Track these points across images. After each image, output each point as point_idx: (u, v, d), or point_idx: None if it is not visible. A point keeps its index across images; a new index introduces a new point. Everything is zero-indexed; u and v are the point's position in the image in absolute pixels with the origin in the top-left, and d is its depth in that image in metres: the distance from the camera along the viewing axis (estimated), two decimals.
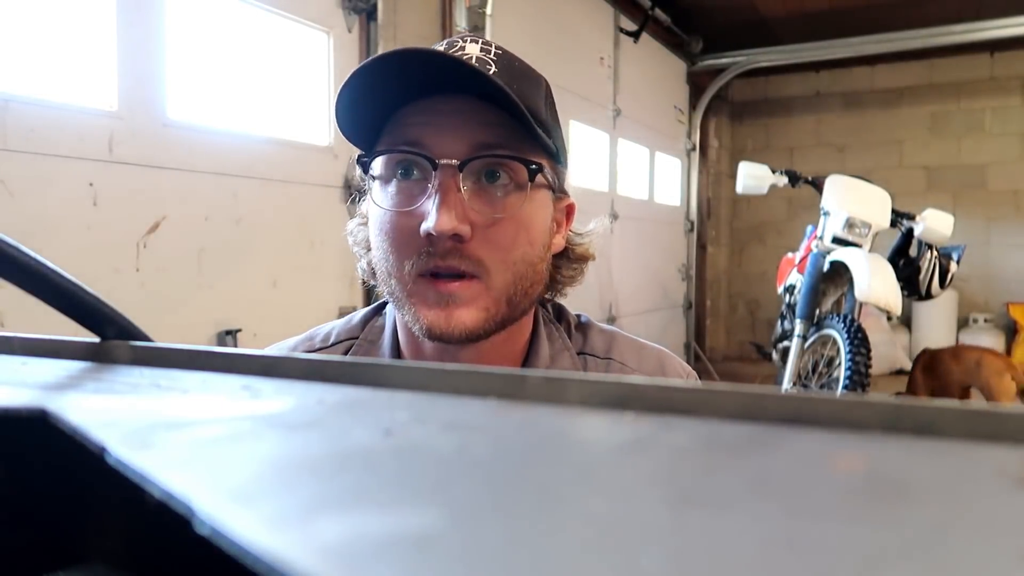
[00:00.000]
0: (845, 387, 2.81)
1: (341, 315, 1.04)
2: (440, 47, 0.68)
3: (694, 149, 5.69)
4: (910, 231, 3.37)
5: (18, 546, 0.31)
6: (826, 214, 3.32)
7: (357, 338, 0.79)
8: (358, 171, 0.73)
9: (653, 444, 0.21)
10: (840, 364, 2.93)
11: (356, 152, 0.71)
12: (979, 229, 5.58)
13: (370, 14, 2.59)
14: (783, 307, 3.75)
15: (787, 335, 3.53)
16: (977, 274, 5.52)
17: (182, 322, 2.00)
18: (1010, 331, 5.44)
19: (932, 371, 3.61)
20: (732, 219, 6.53)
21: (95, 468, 0.22)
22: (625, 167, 4.60)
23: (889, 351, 3.91)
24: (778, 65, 5.61)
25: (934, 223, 3.26)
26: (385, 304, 0.81)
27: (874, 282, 2.91)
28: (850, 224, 3.22)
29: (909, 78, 5.84)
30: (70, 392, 0.31)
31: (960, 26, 4.71)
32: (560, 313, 0.82)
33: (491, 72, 0.65)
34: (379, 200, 0.68)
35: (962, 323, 5.61)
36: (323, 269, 2.40)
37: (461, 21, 2.91)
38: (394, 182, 0.67)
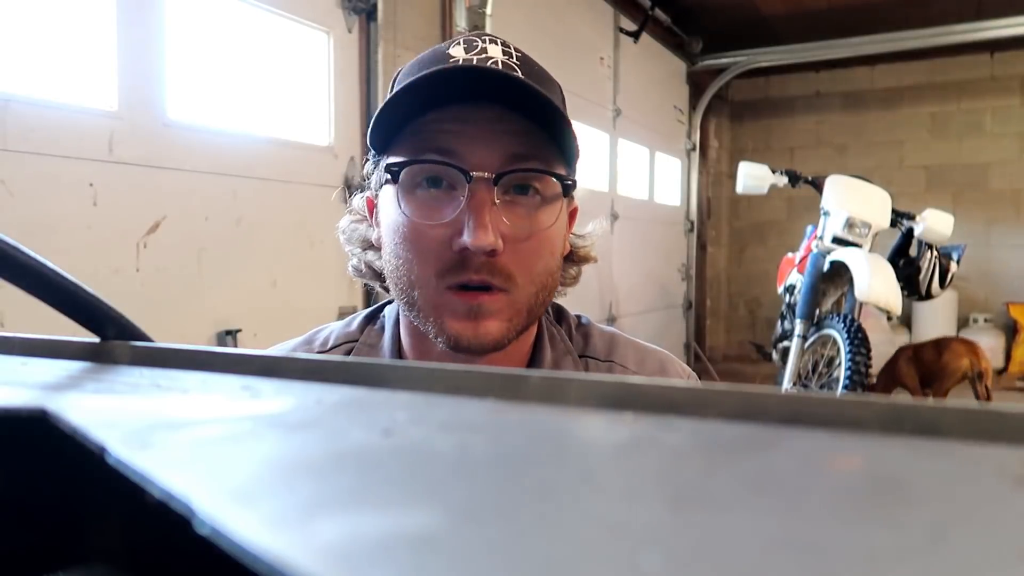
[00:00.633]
0: (845, 387, 2.81)
1: (341, 315, 1.04)
2: (459, 45, 0.67)
3: (694, 149, 5.69)
4: (910, 231, 3.37)
5: (18, 546, 0.31)
6: (826, 214, 3.33)
7: (356, 341, 0.78)
8: (367, 168, 0.72)
9: (653, 444, 0.21)
10: (840, 364, 2.93)
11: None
12: (979, 229, 5.58)
13: (370, 14, 2.59)
14: (783, 307, 3.75)
15: (787, 335, 3.53)
16: (977, 274, 5.52)
17: (182, 322, 2.00)
18: (1010, 331, 5.44)
19: (912, 364, 3.71)
20: (732, 219, 6.53)
21: (95, 468, 0.22)
22: (625, 167, 4.60)
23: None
24: (778, 65, 5.61)
25: (934, 223, 3.26)
26: (383, 307, 0.80)
27: (874, 282, 2.91)
28: (850, 224, 3.22)
29: (909, 78, 5.84)
30: (70, 392, 0.31)
31: (960, 26, 4.71)
32: (560, 315, 0.81)
33: (518, 76, 0.64)
34: (404, 208, 0.65)
35: (962, 323, 5.61)
36: (323, 269, 2.40)
37: (461, 21, 2.91)
38: (419, 190, 0.65)
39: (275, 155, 2.27)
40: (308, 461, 0.21)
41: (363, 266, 0.76)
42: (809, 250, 3.40)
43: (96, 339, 0.39)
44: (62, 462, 0.29)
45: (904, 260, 3.39)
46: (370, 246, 0.75)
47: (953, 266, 3.35)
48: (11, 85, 1.64)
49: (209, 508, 0.16)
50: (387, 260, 0.69)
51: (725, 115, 6.38)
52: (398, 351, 0.76)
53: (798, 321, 3.23)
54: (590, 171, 4.18)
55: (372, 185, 0.72)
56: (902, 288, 3.12)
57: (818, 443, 0.21)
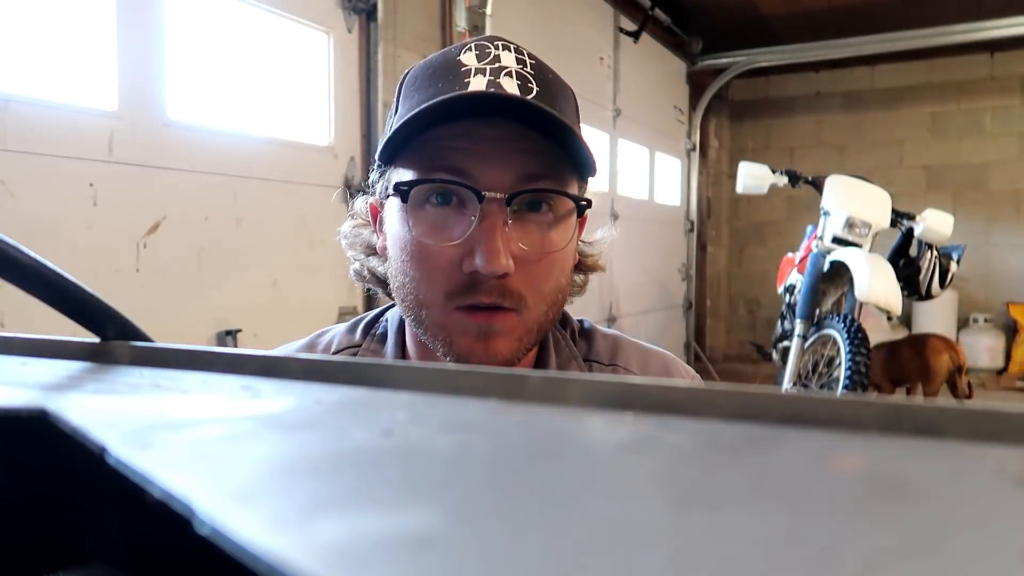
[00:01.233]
0: (845, 387, 2.81)
1: (341, 315, 1.04)
2: (471, 51, 0.65)
3: (694, 149, 5.70)
4: (910, 231, 3.37)
5: (18, 546, 0.31)
6: (826, 214, 3.33)
7: (359, 346, 0.77)
8: (372, 176, 0.70)
9: (653, 444, 0.21)
10: (840, 364, 2.93)
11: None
12: (979, 229, 5.58)
13: (370, 14, 2.59)
14: (783, 307, 3.75)
15: (787, 335, 3.54)
16: (977, 274, 5.52)
17: (182, 322, 2.00)
18: (1010, 331, 5.44)
19: (893, 359, 3.73)
20: (732, 219, 6.53)
21: (95, 468, 0.22)
22: (625, 167, 4.60)
23: None
24: (778, 65, 5.61)
25: (934, 223, 3.26)
26: (385, 311, 0.79)
27: (874, 282, 2.91)
28: (850, 224, 3.22)
29: (909, 78, 5.84)
30: (70, 392, 0.31)
31: (960, 26, 4.71)
32: (564, 319, 0.80)
33: (533, 90, 0.62)
34: (413, 227, 0.64)
35: (962, 323, 5.61)
36: (323, 269, 2.40)
37: (461, 21, 2.91)
38: (428, 207, 0.64)
39: (275, 155, 2.27)
40: (308, 461, 0.21)
41: (365, 271, 0.75)
42: (809, 250, 3.40)
43: (96, 339, 0.39)
44: (62, 462, 0.29)
45: (904, 260, 3.39)
46: (373, 252, 0.74)
47: (953, 266, 3.35)
48: (11, 85, 1.64)
49: (209, 508, 0.16)
50: (393, 275, 0.68)
51: (725, 115, 6.38)
52: (403, 357, 0.75)
53: (798, 321, 3.24)
54: None
55: (377, 192, 0.70)
56: (902, 288, 3.12)
57: (818, 443, 0.21)
